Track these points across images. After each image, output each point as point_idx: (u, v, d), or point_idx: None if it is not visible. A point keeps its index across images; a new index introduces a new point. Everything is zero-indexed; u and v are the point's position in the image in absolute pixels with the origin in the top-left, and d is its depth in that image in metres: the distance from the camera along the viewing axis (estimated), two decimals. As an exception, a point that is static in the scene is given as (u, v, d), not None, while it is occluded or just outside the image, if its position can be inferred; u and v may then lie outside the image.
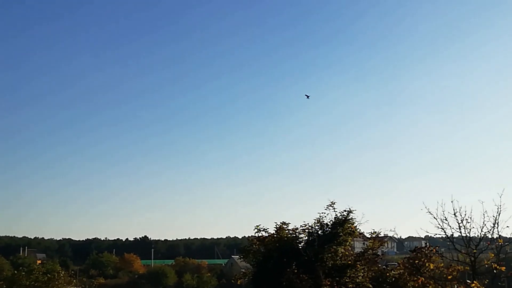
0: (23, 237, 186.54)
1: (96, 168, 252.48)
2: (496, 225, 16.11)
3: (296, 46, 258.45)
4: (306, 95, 30.43)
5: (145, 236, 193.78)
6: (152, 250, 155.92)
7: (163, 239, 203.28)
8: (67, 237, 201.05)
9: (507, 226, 15.94)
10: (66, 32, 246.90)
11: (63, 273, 36.92)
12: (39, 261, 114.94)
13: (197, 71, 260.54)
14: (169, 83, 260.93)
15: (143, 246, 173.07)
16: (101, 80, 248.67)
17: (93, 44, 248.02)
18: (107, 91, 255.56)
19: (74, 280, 39.92)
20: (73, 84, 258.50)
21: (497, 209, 16.01)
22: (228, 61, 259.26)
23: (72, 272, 45.53)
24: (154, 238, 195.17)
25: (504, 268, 16.07)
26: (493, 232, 16.23)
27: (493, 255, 16.21)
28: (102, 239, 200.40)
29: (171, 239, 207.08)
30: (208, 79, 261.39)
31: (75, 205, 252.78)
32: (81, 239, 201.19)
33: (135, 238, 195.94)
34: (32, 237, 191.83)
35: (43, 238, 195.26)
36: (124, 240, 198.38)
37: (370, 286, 22.00)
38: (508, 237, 16.18)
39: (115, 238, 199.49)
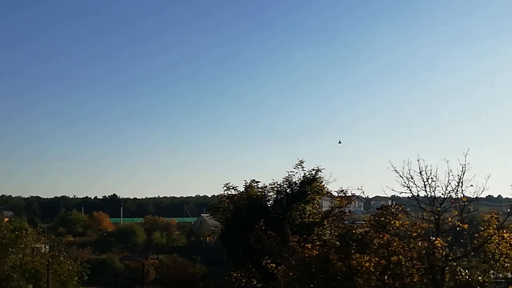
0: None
1: (64, 125, 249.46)
2: (460, 184, 16.37)
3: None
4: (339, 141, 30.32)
5: (114, 194, 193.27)
6: (121, 208, 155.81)
7: (132, 198, 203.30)
8: (35, 195, 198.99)
9: (471, 185, 16.20)
10: None
11: (31, 230, 36.49)
12: (6, 219, 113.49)
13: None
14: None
15: (112, 204, 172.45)
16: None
17: None
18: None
19: (43, 238, 39.45)
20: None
21: (462, 168, 16.24)
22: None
23: (41, 229, 44.97)
24: (123, 197, 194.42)
25: (467, 225, 16.43)
26: (457, 191, 16.49)
27: (456, 212, 16.52)
28: (70, 197, 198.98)
29: (140, 198, 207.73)
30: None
31: (43, 162, 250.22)
32: (49, 197, 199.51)
33: (104, 196, 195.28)
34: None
35: (10, 195, 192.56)
36: (93, 198, 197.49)
37: (337, 243, 22.31)
38: (471, 196, 16.46)
39: (84, 196, 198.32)
